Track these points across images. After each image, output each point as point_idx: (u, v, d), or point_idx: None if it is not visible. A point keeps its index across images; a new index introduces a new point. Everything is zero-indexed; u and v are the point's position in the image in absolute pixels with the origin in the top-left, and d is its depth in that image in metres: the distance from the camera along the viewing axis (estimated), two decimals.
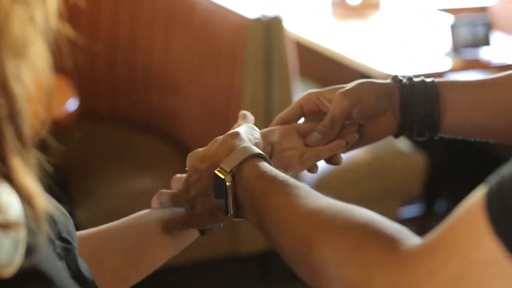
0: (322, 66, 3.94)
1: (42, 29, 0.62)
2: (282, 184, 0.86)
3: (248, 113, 1.10)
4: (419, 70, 3.16)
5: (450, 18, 3.44)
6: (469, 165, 3.49)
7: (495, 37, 3.44)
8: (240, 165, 0.91)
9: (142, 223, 1.04)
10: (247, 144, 0.95)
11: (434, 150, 3.29)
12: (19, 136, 0.60)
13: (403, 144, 3.14)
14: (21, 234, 0.62)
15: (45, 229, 0.63)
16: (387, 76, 3.14)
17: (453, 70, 3.28)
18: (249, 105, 2.75)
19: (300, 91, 3.56)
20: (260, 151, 0.93)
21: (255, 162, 0.92)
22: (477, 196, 0.67)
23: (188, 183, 0.99)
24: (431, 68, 3.20)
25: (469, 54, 3.28)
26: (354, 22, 3.79)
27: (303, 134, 1.10)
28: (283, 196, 0.85)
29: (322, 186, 2.89)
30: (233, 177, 0.91)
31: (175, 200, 1.04)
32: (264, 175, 0.89)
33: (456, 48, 3.28)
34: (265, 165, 0.91)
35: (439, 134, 1.11)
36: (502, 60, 3.32)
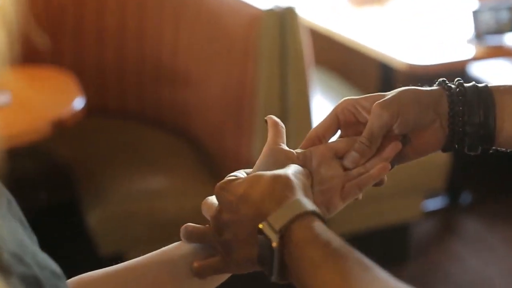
0: (338, 55, 3.82)
1: None
2: (335, 254, 0.75)
3: (278, 121, 0.99)
4: (440, 59, 3.04)
5: (473, 3, 3.30)
6: (494, 157, 3.37)
7: None
8: (289, 224, 0.79)
9: (167, 262, 0.90)
10: (299, 195, 0.82)
11: None
12: None
13: None
14: None
15: None
16: (406, 66, 3.10)
17: (476, 58, 3.15)
18: (263, 98, 2.64)
19: (317, 82, 3.44)
20: (313, 207, 0.81)
21: (307, 221, 0.79)
22: None
23: (220, 222, 0.85)
24: (452, 57, 3.07)
25: (492, 40, 3.14)
26: (371, 8, 3.66)
27: (341, 156, 0.97)
28: (332, 271, 0.73)
29: None
30: (281, 237, 0.79)
31: (205, 239, 0.89)
32: (315, 240, 0.77)
33: (479, 35, 3.14)
34: (318, 227, 0.79)
35: (495, 148, 0.98)
36: None
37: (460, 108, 0.95)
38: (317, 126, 0.99)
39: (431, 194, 3.38)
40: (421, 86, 0.98)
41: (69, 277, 2.94)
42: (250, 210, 0.83)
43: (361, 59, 3.55)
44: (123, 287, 0.88)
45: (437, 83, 0.98)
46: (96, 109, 3.14)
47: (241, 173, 0.91)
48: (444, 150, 0.99)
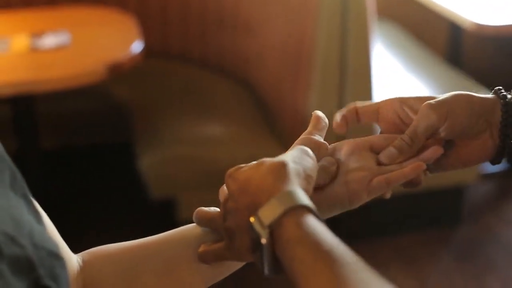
0: (406, 9, 3.72)
1: None
2: (327, 257, 0.72)
3: (322, 116, 0.95)
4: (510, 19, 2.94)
5: None
6: None
7: None
8: (279, 219, 0.76)
9: (182, 242, 0.90)
10: (292, 186, 0.79)
11: None
12: None
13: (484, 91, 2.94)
14: None
15: None
16: (475, 26, 3.01)
17: None
18: (322, 52, 2.60)
19: (381, 35, 3.38)
20: (306, 201, 0.77)
21: (298, 217, 0.76)
22: None
23: (225, 208, 0.84)
24: None
25: None
26: None
27: (377, 151, 0.93)
28: (325, 278, 0.71)
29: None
30: (271, 233, 0.76)
31: (213, 224, 0.88)
32: (306, 240, 0.74)
33: None
34: (309, 223, 0.75)
35: None
36: None
37: None
38: (357, 105, 0.96)
39: None
40: (477, 92, 0.93)
41: (118, 219, 2.97)
42: (247, 200, 0.80)
43: (430, 15, 3.47)
44: (136, 264, 0.88)
45: (492, 91, 0.94)
46: (158, 53, 3.16)
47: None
48: (492, 162, 0.94)
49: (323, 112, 2.64)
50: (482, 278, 2.79)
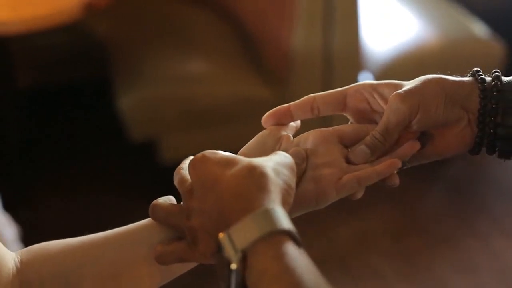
0: None
1: None
2: None
3: (291, 137, 0.85)
4: None
5: None
6: None
7: None
8: (255, 245, 0.67)
9: (133, 241, 0.80)
10: (273, 203, 0.69)
11: None
12: None
13: (479, 29, 2.84)
14: None
15: None
16: None
17: None
18: None
19: None
20: (288, 225, 0.68)
21: (278, 245, 0.67)
22: None
23: (188, 206, 0.75)
24: None
25: None
26: None
27: (347, 143, 0.84)
28: None
29: (386, 72, 2.66)
30: (242, 257, 0.67)
31: (172, 219, 0.77)
32: (285, 277, 0.65)
33: None
34: (290, 255, 0.66)
35: None
36: None
37: (494, 106, 0.81)
38: (318, 94, 0.85)
39: None
40: (451, 74, 0.83)
41: (97, 161, 2.89)
42: (215, 205, 0.71)
43: None
44: (79, 267, 0.79)
45: (470, 73, 0.84)
46: None
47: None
48: (471, 152, 0.85)
49: (309, 47, 2.49)
50: (471, 215, 2.75)
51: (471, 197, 2.83)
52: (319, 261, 0.71)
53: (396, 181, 0.83)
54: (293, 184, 0.75)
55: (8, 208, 2.01)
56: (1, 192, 2.08)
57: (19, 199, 2.65)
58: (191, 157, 0.77)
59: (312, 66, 2.57)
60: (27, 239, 2.23)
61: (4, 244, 1.77)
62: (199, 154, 0.75)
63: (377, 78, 2.63)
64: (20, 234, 1.93)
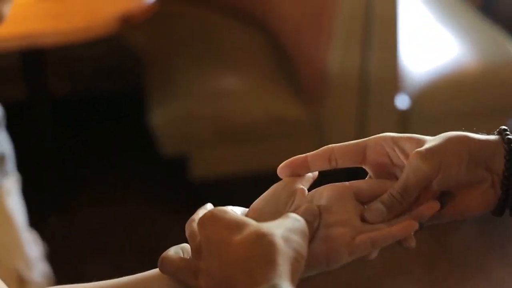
0: None
1: None
2: None
3: (305, 191, 0.81)
4: None
5: None
6: None
7: None
8: None
9: None
10: (280, 279, 0.65)
11: None
12: None
13: None
14: None
15: None
16: None
17: None
18: (346, 2, 2.46)
19: None
20: None
21: None
22: None
23: (197, 264, 0.72)
24: None
25: None
26: None
27: (363, 199, 0.80)
28: None
29: (426, 94, 2.63)
30: None
31: (181, 275, 0.73)
32: None
33: None
34: None
35: None
36: None
37: None
38: (336, 145, 0.82)
39: None
40: (476, 132, 0.80)
41: (127, 171, 2.88)
42: (222, 273, 0.68)
43: None
44: None
45: (497, 131, 0.80)
46: None
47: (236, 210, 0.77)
48: (493, 213, 0.81)
49: (346, 67, 2.45)
50: (504, 244, 2.70)
51: (503, 227, 2.78)
52: (348, 285, 0.69)
53: (412, 243, 0.78)
54: (304, 251, 0.71)
55: (40, 218, 2.01)
56: (33, 201, 2.08)
57: (51, 208, 2.66)
58: (205, 208, 0.76)
59: (348, 87, 2.54)
60: (58, 249, 2.23)
61: (29, 262, 1.77)
62: (208, 212, 0.73)
63: (414, 101, 2.61)
64: (47, 250, 1.92)
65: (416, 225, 0.77)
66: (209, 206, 0.77)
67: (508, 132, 0.79)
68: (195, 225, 0.74)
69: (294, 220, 0.73)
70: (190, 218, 0.77)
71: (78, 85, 3.11)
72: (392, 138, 0.81)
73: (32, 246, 1.82)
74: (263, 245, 0.67)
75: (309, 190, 0.82)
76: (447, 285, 2.52)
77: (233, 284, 0.67)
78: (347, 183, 0.81)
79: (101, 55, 3.03)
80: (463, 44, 2.83)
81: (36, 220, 1.95)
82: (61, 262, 2.08)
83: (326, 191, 0.80)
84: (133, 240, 2.57)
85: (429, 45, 2.87)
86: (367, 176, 0.84)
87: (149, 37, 2.94)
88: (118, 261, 2.40)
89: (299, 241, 0.70)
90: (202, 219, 0.72)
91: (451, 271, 2.57)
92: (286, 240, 0.69)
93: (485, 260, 2.62)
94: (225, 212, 0.72)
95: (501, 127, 0.80)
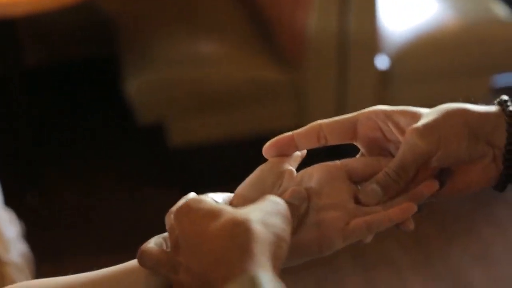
0: None
1: None
2: None
3: (294, 172, 0.77)
4: None
5: None
6: None
7: None
8: None
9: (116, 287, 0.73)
10: (257, 268, 0.61)
11: None
12: None
13: (502, 10, 2.75)
14: None
15: None
16: None
17: None
18: None
19: None
20: None
21: None
22: None
23: (176, 258, 0.67)
24: None
25: None
26: None
27: (356, 179, 0.76)
28: None
29: (406, 53, 2.58)
30: None
31: (161, 268, 0.69)
32: None
33: None
34: None
35: None
36: None
37: None
38: (324, 121, 0.77)
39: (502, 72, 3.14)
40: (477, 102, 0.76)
41: (103, 141, 2.84)
42: (200, 267, 0.64)
43: None
44: None
45: (496, 102, 0.76)
46: None
47: (218, 197, 0.73)
48: (495, 188, 0.78)
49: (324, 29, 2.38)
50: (490, 204, 2.69)
51: None
52: None
53: (411, 226, 0.74)
54: (286, 235, 0.66)
55: (16, 195, 1.97)
56: (9, 178, 2.03)
57: (27, 182, 2.61)
58: (186, 198, 0.71)
59: (327, 49, 2.50)
60: (36, 227, 2.19)
61: (6, 243, 1.72)
62: (183, 204, 0.68)
63: (394, 61, 2.57)
64: (24, 229, 1.87)
65: (414, 208, 0.73)
66: (191, 195, 0.72)
67: (509, 103, 0.75)
68: (173, 217, 0.70)
69: (273, 203, 0.68)
70: (169, 210, 0.72)
71: (52, 54, 3.05)
72: (385, 111, 0.77)
73: (8, 226, 1.77)
74: (239, 234, 0.63)
75: (297, 170, 0.78)
76: (432, 245, 2.51)
77: (212, 277, 0.63)
78: (338, 162, 0.77)
79: (74, 22, 2.96)
80: (443, 2, 2.79)
81: (12, 198, 1.91)
82: (40, 241, 2.04)
83: (316, 172, 0.76)
84: (112, 213, 2.53)
85: (408, 3, 2.83)
86: (359, 153, 0.80)
87: (122, 3, 2.88)
88: (99, 235, 2.37)
89: (279, 225, 0.66)
90: (177, 211, 0.68)
91: (435, 231, 2.56)
92: (265, 224, 0.65)
93: (470, 219, 2.61)
94: (200, 201, 0.68)
95: (501, 97, 0.76)
